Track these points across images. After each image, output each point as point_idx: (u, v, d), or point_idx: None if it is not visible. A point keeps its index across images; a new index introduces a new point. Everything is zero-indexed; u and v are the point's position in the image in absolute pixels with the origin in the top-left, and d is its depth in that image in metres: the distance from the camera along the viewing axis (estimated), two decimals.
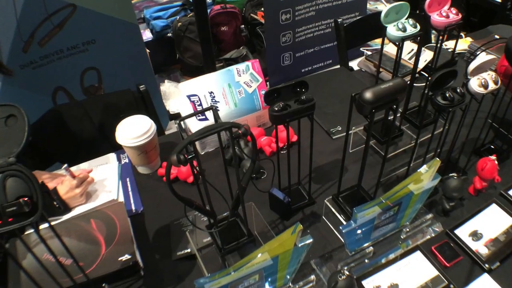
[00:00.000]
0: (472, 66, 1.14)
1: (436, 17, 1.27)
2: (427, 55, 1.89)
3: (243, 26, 3.86)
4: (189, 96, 1.46)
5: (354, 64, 2.21)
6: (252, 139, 0.95)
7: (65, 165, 1.36)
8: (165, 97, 3.37)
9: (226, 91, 1.49)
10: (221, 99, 1.49)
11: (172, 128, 2.86)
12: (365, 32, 2.38)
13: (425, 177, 1.07)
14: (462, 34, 2.21)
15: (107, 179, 1.50)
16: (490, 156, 1.34)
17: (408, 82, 1.38)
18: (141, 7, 5.16)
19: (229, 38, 3.75)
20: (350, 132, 1.15)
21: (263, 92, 1.53)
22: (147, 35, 3.88)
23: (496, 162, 1.33)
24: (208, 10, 3.73)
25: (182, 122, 1.10)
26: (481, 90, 1.15)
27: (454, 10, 1.27)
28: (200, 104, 1.47)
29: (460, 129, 1.26)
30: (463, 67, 1.95)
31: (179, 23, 3.64)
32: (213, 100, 1.48)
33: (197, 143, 1.50)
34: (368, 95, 0.90)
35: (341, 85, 1.87)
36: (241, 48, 3.42)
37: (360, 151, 1.51)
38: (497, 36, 2.15)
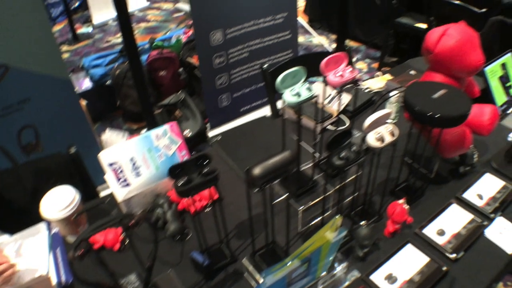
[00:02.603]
0: (367, 122, 1.21)
1: (331, 77, 1.34)
2: (345, 98, 1.98)
3: (181, 69, 3.91)
4: (110, 165, 1.49)
5: None
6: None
7: None
8: (107, 146, 3.36)
9: (146, 156, 1.53)
10: (142, 164, 1.53)
11: None
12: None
13: (330, 234, 1.12)
14: (379, 73, 2.31)
15: (36, 253, 1.49)
16: (398, 201, 1.41)
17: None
18: (82, 53, 5.18)
19: (168, 82, 3.80)
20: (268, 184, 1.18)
21: (183, 153, 1.58)
22: (86, 83, 3.89)
23: (404, 205, 1.40)
24: (146, 56, 3.78)
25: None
26: (378, 144, 1.22)
27: (349, 69, 1.35)
28: (122, 171, 1.50)
29: (358, 186, 1.32)
30: (381, 106, 2.04)
31: (118, 71, 3.66)
32: (134, 166, 1.51)
33: (123, 206, 1.53)
34: (256, 171, 0.95)
35: (265, 135, 1.92)
36: (179, 92, 3.46)
37: (280, 203, 1.56)
38: (412, 72, 2.26)
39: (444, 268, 1.33)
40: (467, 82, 1.67)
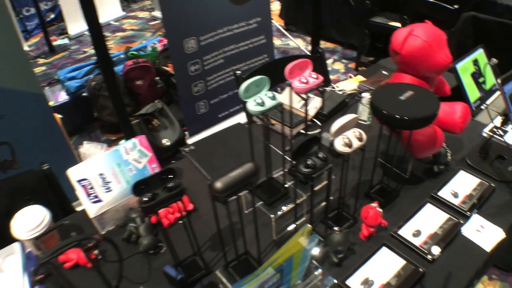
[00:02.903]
0: (334, 127, 1.20)
1: (296, 84, 1.33)
2: (316, 102, 1.97)
3: (158, 78, 3.89)
4: (79, 181, 1.47)
5: None
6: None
7: None
8: (86, 159, 3.33)
9: (116, 170, 1.51)
10: (113, 179, 1.50)
11: None
12: None
13: (303, 240, 1.11)
14: (351, 75, 2.31)
15: (11, 273, 1.47)
16: (371, 204, 1.40)
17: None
18: (59, 65, 5.14)
19: (145, 91, 3.78)
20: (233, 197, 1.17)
21: (153, 165, 1.56)
22: (63, 96, 3.85)
23: (378, 208, 1.39)
24: (122, 66, 3.76)
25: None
26: (346, 150, 1.21)
27: (314, 74, 1.34)
28: (92, 188, 1.48)
29: (331, 191, 1.31)
30: (354, 108, 2.04)
31: (93, 82, 3.64)
32: (104, 181, 1.49)
33: (96, 223, 1.51)
34: (218, 185, 0.94)
35: (237, 142, 1.90)
36: (156, 101, 3.44)
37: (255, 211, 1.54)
38: (385, 72, 2.26)
39: (421, 270, 1.32)
40: (437, 81, 1.67)
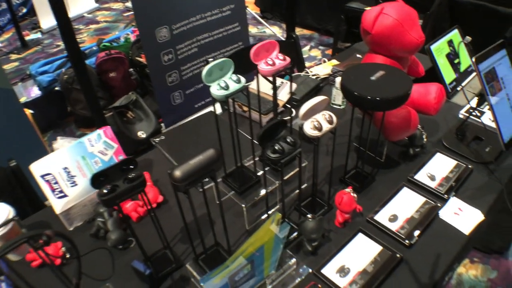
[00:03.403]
0: (303, 110, 1.15)
1: (263, 66, 1.28)
2: (289, 87, 1.92)
3: (132, 69, 3.81)
4: (42, 177, 1.41)
5: None
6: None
7: None
8: None
9: (81, 164, 1.45)
10: (78, 172, 1.45)
11: None
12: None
13: (273, 228, 1.07)
14: (325, 59, 2.27)
15: None
16: (345, 189, 1.36)
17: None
18: (32, 60, 5.04)
19: (119, 83, 3.71)
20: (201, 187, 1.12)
21: (120, 157, 1.50)
22: (35, 91, 3.77)
23: (352, 193, 1.35)
24: (94, 58, 3.68)
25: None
26: (316, 133, 1.17)
27: (281, 56, 1.29)
28: (56, 183, 1.42)
29: (304, 177, 1.27)
30: (328, 92, 2.00)
31: (65, 76, 3.56)
32: (69, 175, 1.43)
33: (62, 219, 1.46)
34: (177, 173, 0.89)
35: (209, 131, 1.85)
36: (130, 93, 3.37)
37: (226, 201, 1.50)
38: (359, 56, 2.22)
39: (398, 255, 1.29)
40: (411, 62, 1.63)
